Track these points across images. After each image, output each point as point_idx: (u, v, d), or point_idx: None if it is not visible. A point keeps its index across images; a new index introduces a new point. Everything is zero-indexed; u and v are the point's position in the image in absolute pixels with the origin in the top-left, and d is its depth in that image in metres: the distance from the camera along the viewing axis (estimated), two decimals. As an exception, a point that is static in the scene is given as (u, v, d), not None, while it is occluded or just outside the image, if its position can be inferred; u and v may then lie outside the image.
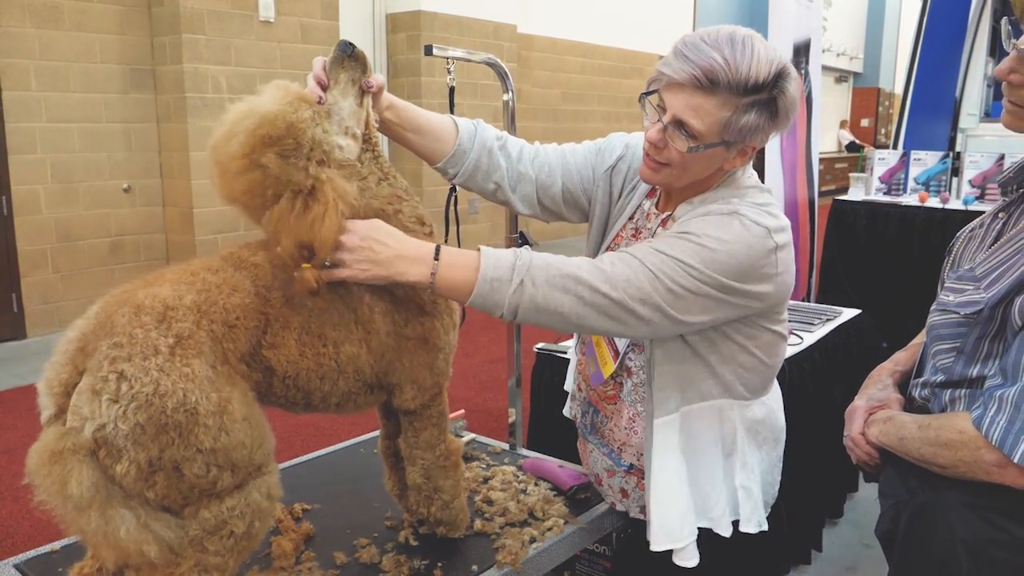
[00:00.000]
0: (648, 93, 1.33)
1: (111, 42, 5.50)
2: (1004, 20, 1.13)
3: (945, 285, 1.24)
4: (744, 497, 1.48)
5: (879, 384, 1.38)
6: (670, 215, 1.45)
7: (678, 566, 1.75)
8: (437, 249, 1.27)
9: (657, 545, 1.46)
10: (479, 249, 1.30)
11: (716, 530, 1.48)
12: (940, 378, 1.21)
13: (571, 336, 2.28)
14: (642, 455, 1.51)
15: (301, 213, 1.15)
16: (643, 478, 1.51)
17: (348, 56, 1.28)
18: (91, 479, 1.00)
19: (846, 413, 1.39)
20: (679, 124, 1.28)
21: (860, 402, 1.37)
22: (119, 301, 1.09)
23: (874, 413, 1.33)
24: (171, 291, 1.10)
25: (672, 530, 1.45)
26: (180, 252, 5.86)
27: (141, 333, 1.04)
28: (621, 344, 1.51)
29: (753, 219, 1.31)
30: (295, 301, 1.20)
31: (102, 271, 5.64)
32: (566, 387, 1.83)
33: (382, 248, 1.24)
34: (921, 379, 1.27)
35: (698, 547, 1.48)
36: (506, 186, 1.55)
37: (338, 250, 1.21)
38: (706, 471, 1.47)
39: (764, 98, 1.27)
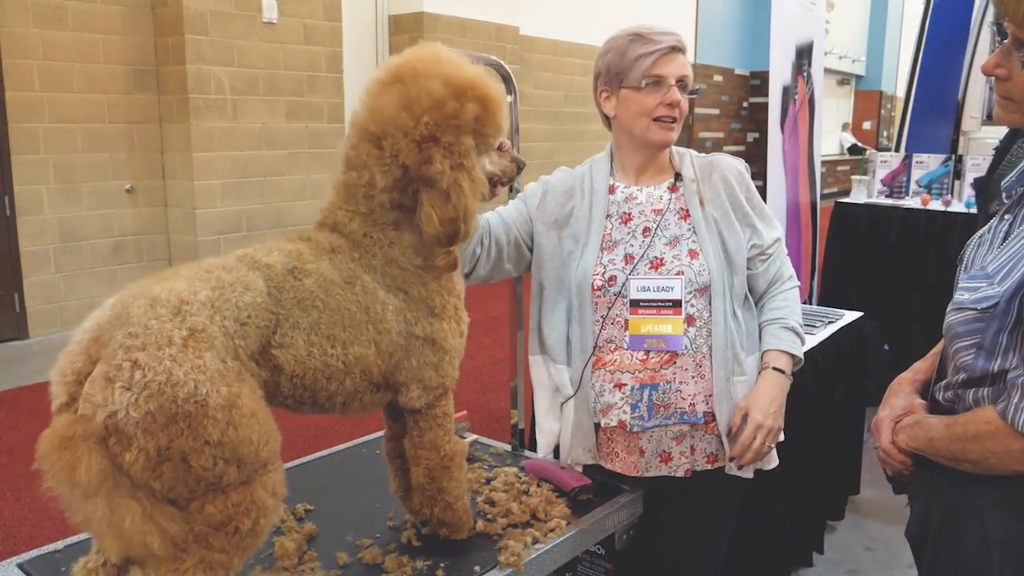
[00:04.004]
0: (655, 79, 1.65)
1: (114, 43, 5.51)
2: (993, 22, 1.15)
3: (959, 286, 1.24)
4: None
5: (900, 393, 1.38)
6: (679, 176, 1.71)
7: (678, 568, 1.75)
8: None
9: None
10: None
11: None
12: (962, 377, 1.21)
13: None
14: (711, 396, 1.62)
15: (452, 197, 1.27)
16: (714, 420, 1.63)
17: (518, 167, 1.48)
18: (99, 466, 1.01)
19: (872, 426, 1.38)
20: (682, 82, 1.65)
21: (885, 412, 1.37)
22: (135, 294, 1.11)
23: (900, 421, 1.33)
24: (186, 286, 1.12)
25: None
26: (182, 253, 5.87)
27: (156, 324, 1.06)
28: (680, 294, 1.62)
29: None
30: (306, 302, 1.22)
31: (104, 272, 5.64)
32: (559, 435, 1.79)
33: None
34: (943, 381, 1.27)
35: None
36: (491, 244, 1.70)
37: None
38: None
39: None
